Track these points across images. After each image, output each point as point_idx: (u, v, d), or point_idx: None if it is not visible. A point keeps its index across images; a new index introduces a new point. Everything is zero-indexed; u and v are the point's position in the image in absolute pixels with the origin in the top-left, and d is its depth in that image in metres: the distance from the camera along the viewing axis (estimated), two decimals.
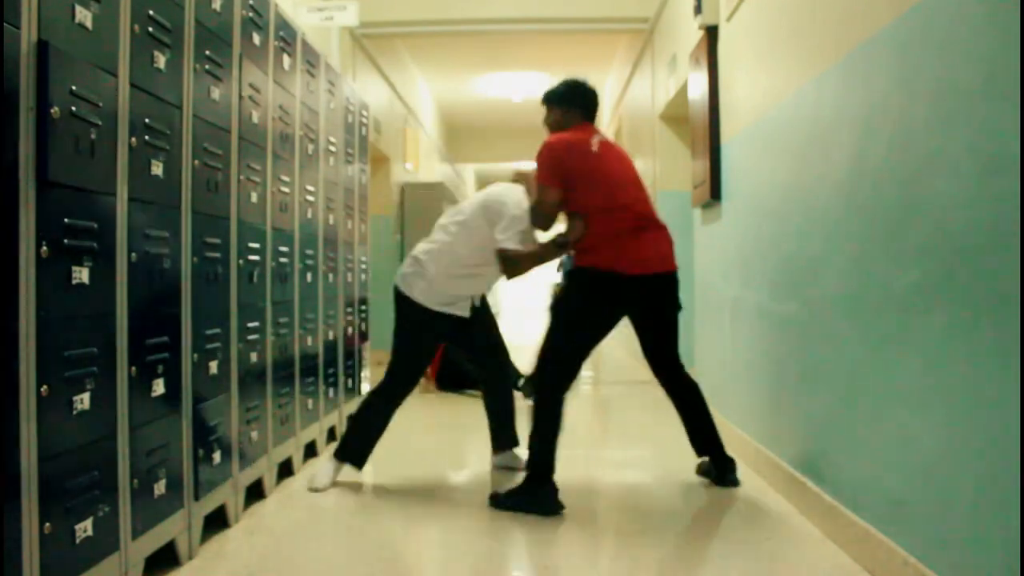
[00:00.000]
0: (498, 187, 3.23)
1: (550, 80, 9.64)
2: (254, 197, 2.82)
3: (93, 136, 1.78)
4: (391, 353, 3.18)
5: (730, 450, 3.69)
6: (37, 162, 1.59)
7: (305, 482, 3.17)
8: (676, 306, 3.03)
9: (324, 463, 3.16)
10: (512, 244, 3.03)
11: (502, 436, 3.41)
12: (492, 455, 3.45)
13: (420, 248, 3.20)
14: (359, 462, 3.17)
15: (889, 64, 2.12)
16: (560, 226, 3.08)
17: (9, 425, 1.52)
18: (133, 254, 1.97)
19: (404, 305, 3.15)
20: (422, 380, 4.18)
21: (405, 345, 3.16)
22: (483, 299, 3.35)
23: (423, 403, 5.17)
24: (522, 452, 3.40)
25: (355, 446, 3.16)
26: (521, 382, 4.93)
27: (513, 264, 3.07)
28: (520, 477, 2.99)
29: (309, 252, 3.51)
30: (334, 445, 3.36)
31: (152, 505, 2.08)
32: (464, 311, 3.19)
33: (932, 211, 1.90)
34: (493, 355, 3.37)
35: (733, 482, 3.10)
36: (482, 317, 3.32)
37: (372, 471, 3.47)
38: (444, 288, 3.10)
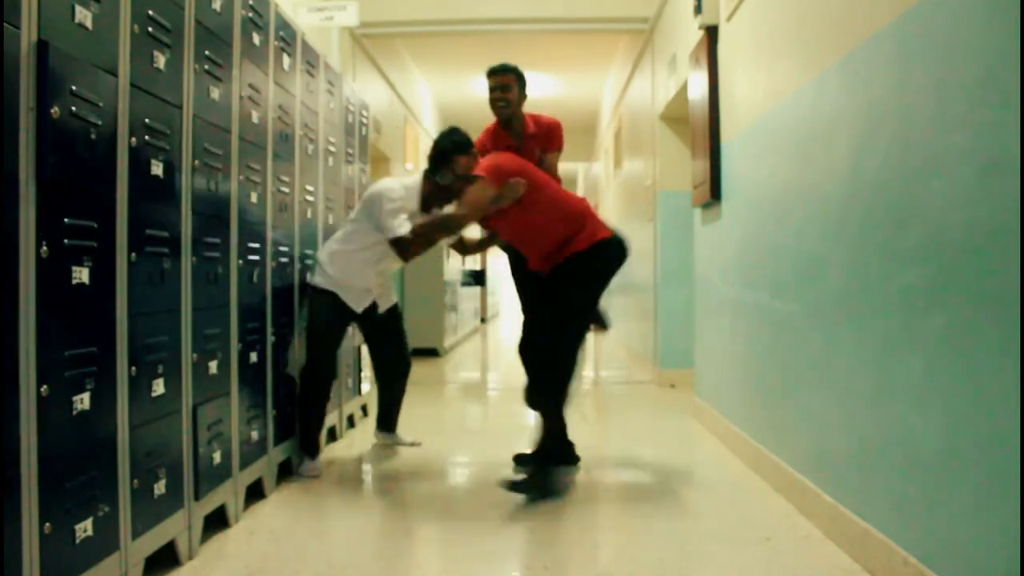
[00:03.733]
0: (375, 187, 3.44)
1: (550, 80, 9.51)
2: (254, 197, 2.82)
3: (93, 136, 1.78)
4: (306, 347, 3.40)
5: (730, 449, 3.70)
6: (37, 162, 1.59)
7: (305, 482, 3.17)
8: None
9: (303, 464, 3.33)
10: (403, 230, 3.28)
11: (388, 421, 3.87)
12: (376, 431, 3.90)
13: (321, 253, 3.46)
14: (312, 451, 3.35)
15: (889, 64, 2.12)
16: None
17: (9, 425, 1.52)
18: (133, 254, 1.97)
19: (308, 293, 3.41)
20: None
21: (313, 329, 3.37)
22: (393, 308, 3.69)
23: (422, 403, 5.17)
24: (401, 434, 3.88)
25: (304, 441, 3.35)
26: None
27: (406, 248, 3.35)
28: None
29: (309, 252, 3.51)
30: (332, 446, 3.41)
31: (152, 505, 2.08)
32: (357, 306, 3.41)
33: (932, 211, 1.90)
34: (396, 363, 3.77)
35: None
36: (392, 326, 3.68)
37: (371, 471, 3.48)
38: (342, 280, 3.37)
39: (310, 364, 3.36)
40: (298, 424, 3.34)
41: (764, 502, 2.92)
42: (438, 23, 6.49)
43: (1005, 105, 1.61)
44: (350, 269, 3.37)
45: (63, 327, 1.70)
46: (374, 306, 3.55)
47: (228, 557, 2.36)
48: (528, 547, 2.56)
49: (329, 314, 3.39)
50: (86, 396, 1.76)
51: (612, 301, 8.64)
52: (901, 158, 2.05)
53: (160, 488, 2.12)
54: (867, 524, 2.22)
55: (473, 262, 14.41)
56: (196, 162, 2.33)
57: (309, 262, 3.51)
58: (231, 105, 2.60)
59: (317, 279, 3.39)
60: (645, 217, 6.54)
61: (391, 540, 2.59)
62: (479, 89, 10.08)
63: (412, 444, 3.86)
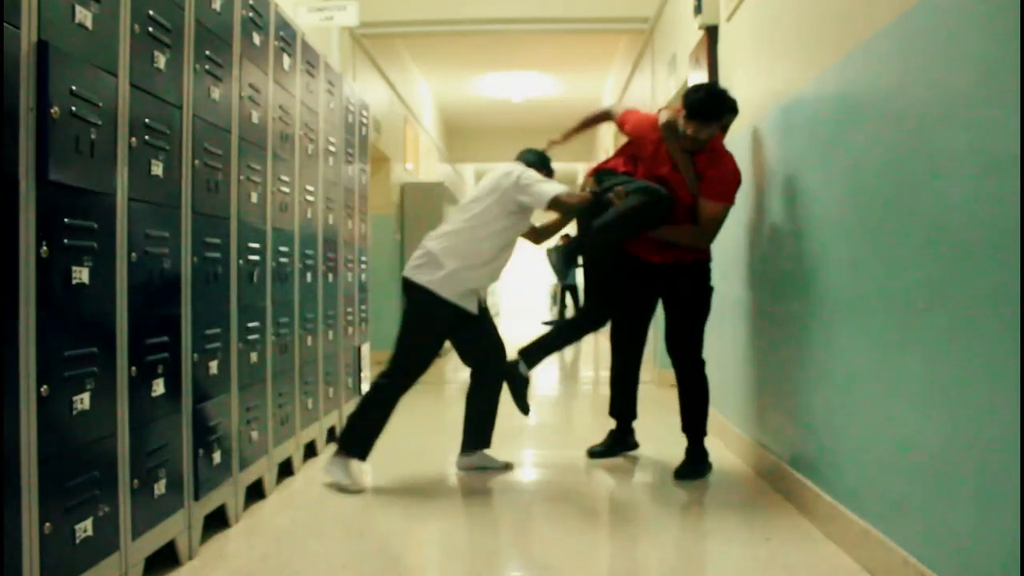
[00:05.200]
0: (500, 168, 3.25)
1: (550, 80, 9.44)
2: (254, 197, 2.82)
3: (93, 136, 1.78)
4: (395, 344, 3.16)
5: (730, 449, 3.69)
6: (37, 162, 1.59)
7: (305, 483, 3.17)
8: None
9: (334, 464, 3.10)
10: (559, 189, 3.11)
11: (478, 436, 3.37)
12: (459, 455, 3.39)
13: (433, 242, 3.18)
14: (363, 454, 3.13)
15: (889, 64, 2.12)
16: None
17: (9, 425, 1.52)
18: (133, 254, 1.97)
19: (414, 293, 3.13)
20: None
21: (411, 334, 3.16)
22: (483, 301, 3.37)
23: (422, 403, 5.17)
24: (492, 453, 3.38)
25: (357, 438, 3.13)
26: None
27: (569, 209, 3.20)
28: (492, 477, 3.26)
29: (309, 252, 3.51)
30: (333, 446, 3.32)
31: (152, 505, 2.08)
32: (472, 306, 3.18)
33: (932, 211, 1.90)
34: (491, 353, 3.36)
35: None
36: (484, 316, 3.34)
37: (372, 471, 3.47)
38: (461, 279, 3.10)
39: (399, 369, 3.12)
40: (359, 427, 3.13)
41: (764, 502, 2.92)
42: (438, 23, 6.49)
43: (1005, 105, 1.61)
44: (472, 262, 3.10)
45: (63, 327, 1.70)
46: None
47: (228, 557, 2.36)
48: (528, 547, 2.56)
49: (440, 323, 3.14)
50: (86, 396, 1.76)
51: None
52: (901, 158, 2.05)
53: (160, 488, 2.12)
54: (867, 524, 2.22)
55: None
56: (196, 162, 2.33)
57: (310, 262, 3.51)
58: (231, 105, 2.60)
59: (425, 277, 3.09)
60: None
61: (391, 540, 2.59)
62: (479, 89, 10.11)
63: (505, 467, 3.37)
